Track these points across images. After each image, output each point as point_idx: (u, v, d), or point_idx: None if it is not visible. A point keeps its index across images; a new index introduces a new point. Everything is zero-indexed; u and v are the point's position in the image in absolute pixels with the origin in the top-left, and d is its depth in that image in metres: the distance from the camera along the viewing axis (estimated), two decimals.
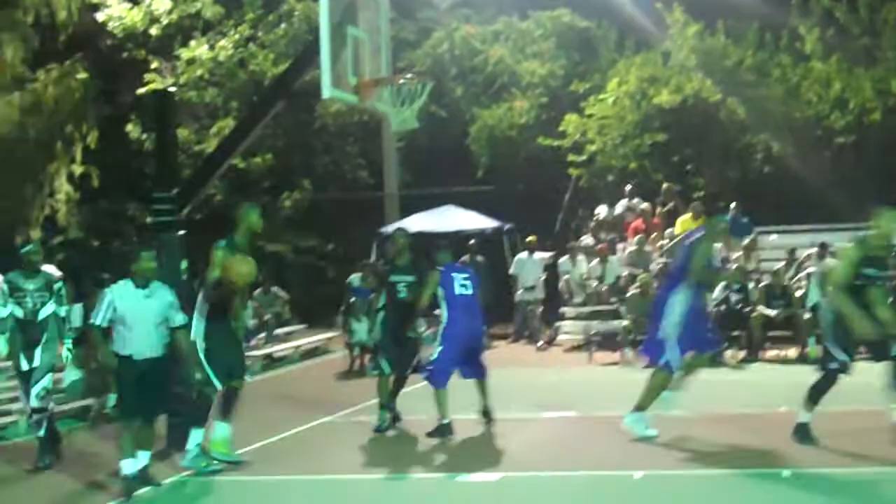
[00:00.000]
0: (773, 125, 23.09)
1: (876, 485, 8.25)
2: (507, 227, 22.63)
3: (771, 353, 17.06)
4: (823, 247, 18.28)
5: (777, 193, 22.09)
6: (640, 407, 10.42)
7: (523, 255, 21.15)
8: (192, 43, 27.49)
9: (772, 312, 17.16)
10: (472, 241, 20.99)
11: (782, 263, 18.76)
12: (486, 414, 11.46)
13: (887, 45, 23.12)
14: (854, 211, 20.59)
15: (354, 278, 18.80)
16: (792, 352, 16.90)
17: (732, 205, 18.96)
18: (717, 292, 17.08)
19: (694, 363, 10.57)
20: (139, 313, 8.70)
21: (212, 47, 27.43)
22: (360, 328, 17.24)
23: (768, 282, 17.84)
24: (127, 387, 8.73)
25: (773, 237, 20.44)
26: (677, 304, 10.25)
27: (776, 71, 23.73)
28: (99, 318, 8.73)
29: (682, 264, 10.48)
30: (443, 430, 10.96)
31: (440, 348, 11.24)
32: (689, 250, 10.47)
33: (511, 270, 21.13)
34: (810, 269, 17.83)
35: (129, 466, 8.65)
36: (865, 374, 9.73)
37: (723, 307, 17.20)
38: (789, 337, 17.19)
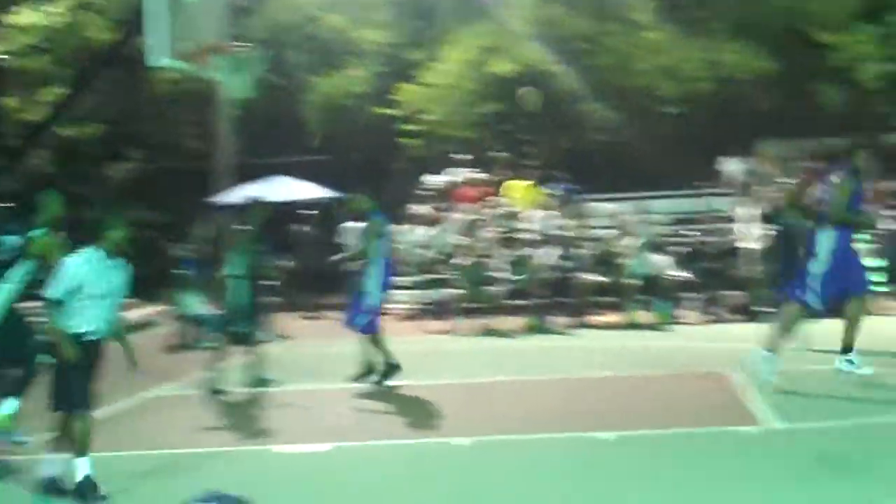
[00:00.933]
0: (605, 94, 23.49)
1: (689, 444, 8.48)
2: (343, 196, 22.47)
3: (597, 319, 17.37)
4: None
5: (609, 162, 22.52)
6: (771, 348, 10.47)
7: (349, 223, 21.03)
8: (18, 8, 26.49)
9: (599, 279, 17.52)
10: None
11: (611, 231, 19.14)
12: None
13: (718, 16, 23.70)
14: (683, 178, 21.25)
15: (183, 249, 18.41)
16: (616, 317, 17.27)
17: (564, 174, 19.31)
18: (552, 259, 17.41)
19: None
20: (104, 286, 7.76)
21: (42, 13, 26.46)
22: (192, 301, 16.91)
23: (597, 249, 18.20)
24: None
25: (604, 205, 20.83)
26: (824, 243, 10.31)
27: (609, 40, 24.07)
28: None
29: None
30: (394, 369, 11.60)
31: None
32: (831, 190, 10.44)
33: (337, 239, 20.98)
34: (634, 237, 18.27)
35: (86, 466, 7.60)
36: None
37: (556, 274, 17.51)
38: (616, 303, 17.55)
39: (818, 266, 10.31)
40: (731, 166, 22.21)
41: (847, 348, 10.40)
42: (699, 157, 21.23)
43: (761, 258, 17.45)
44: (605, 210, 20.43)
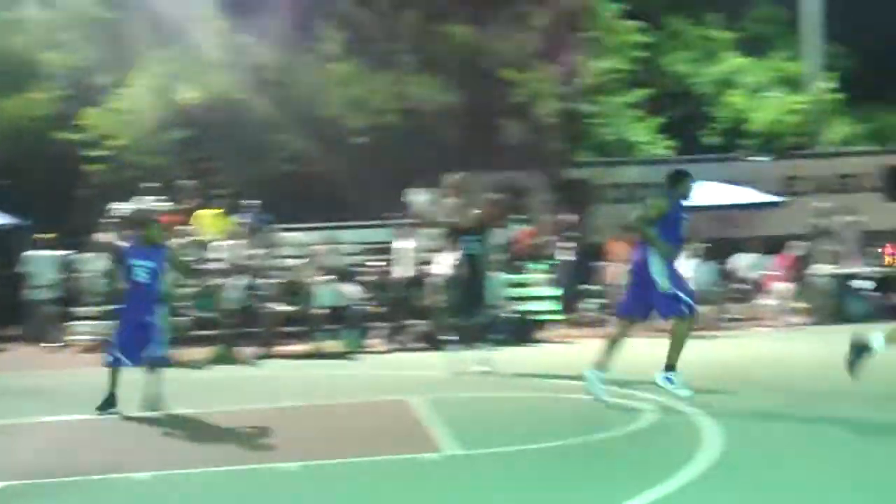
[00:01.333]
0: (295, 124, 23.56)
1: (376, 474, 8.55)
2: (22, 224, 21.53)
3: (284, 349, 17.33)
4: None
5: (299, 192, 22.57)
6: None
7: (35, 252, 20.21)
8: None
9: (287, 308, 17.52)
10: None
11: (301, 260, 19.18)
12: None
13: (405, 50, 24.26)
14: (371, 209, 21.55)
15: None
16: (304, 347, 17.29)
17: (253, 203, 19.17)
18: (237, 293, 17.28)
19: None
20: None
21: None
22: None
23: (285, 278, 18.19)
24: None
25: (294, 234, 20.86)
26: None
27: (301, 71, 24.19)
28: None
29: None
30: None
31: None
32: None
33: (21, 269, 20.11)
34: (323, 267, 18.39)
35: None
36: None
37: (244, 303, 17.37)
38: (304, 332, 17.59)
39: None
40: (418, 197, 22.75)
41: (670, 366, 10.85)
42: (388, 188, 21.61)
43: (446, 287, 17.93)
44: (294, 239, 20.45)
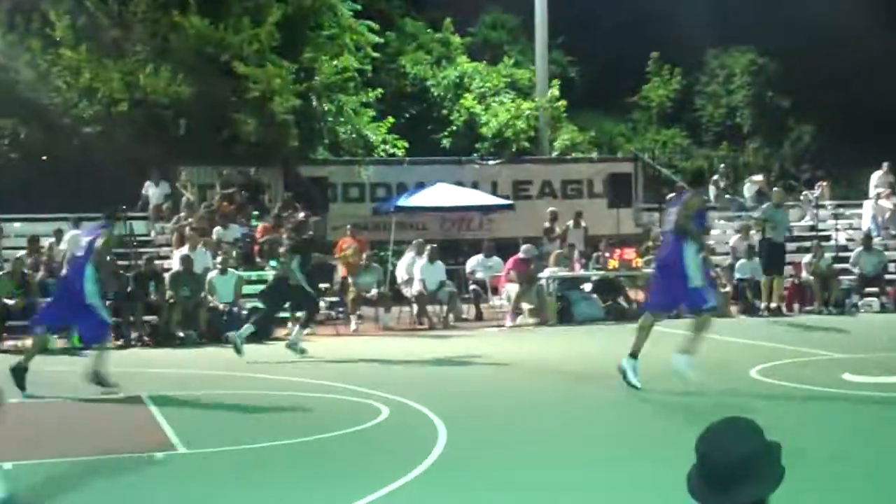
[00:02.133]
0: (21, 110, 22.57)
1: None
2: None
3: (8, 343, 16.60)
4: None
5: (24, 180, 21.64)
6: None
7: None
8: None
9: (10, 301, 16.82)
10: None
11: (24, 251, 18.41)
12: None
13: (136, 38, 23.60)
14: (102, 199, 20.85)
15: None
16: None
17: None
18: None
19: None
20: None
21: None
22: None
23: (9, 269, 17.44)
24: None
25: (17, 224, 20.03)
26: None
27: (26, 55, 23.19)
28: None
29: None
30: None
31: None
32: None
33: None
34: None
35: None
36: None
37: None
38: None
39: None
40: (152, 190, 22.26)
41: (686, 351, 11.47)
42: (123, 180, 21.04)
43: (173, 282, 17.65)
44: (21, 230, 19.70)
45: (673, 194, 12.99)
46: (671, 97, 33.99)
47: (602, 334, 17.95)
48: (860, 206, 26.99)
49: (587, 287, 21.13)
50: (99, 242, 11.83)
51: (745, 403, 10.28)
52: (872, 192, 26.61)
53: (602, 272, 20.98)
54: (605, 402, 11.40)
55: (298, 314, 16.33)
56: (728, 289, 21.50)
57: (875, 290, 22.23)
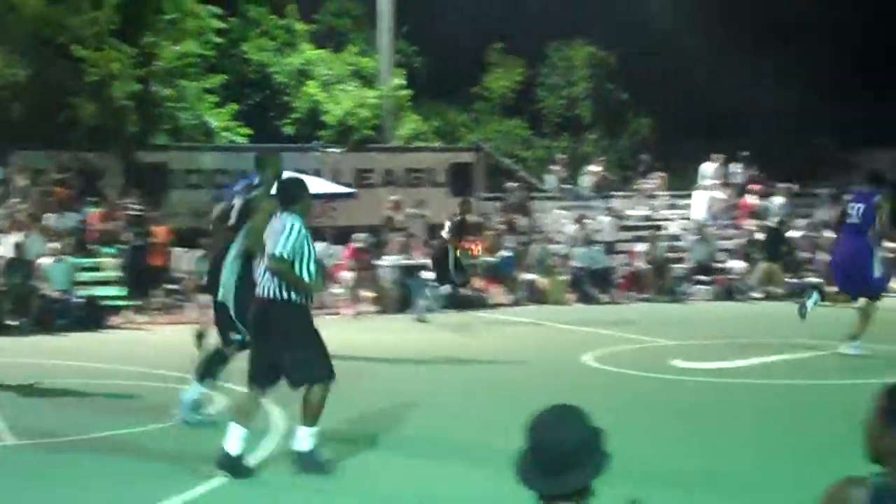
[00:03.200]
0: None
1: None
2: None
3: None
4: None
5: None
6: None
7: None
8: None
9: None
10: None
11: None
12: None
13: None
14: None
15: None
16: None
17: None
18: None
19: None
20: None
21: None
22: None
23: None
24: None
25: None
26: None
27: None
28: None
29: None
30: None
31: None
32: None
33: None
34: None
35: None
36: None
37: None
38: None
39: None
40: None
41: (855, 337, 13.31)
42: None
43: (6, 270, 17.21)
44: None
45: (857, 189, 13.84)
46: (513, 88, 34.43)
47: (440, 322, 18.16)
48: (693, 196, 27.86)
49: (428, 275, 21.31)
50: None
51: (575, 389, 10.57)
52: (705, 182, 27.49)
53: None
54: (438, 389, 11.57)
55: None
56: (564, 277, 22.00)
57: (706, 278, 23.03)
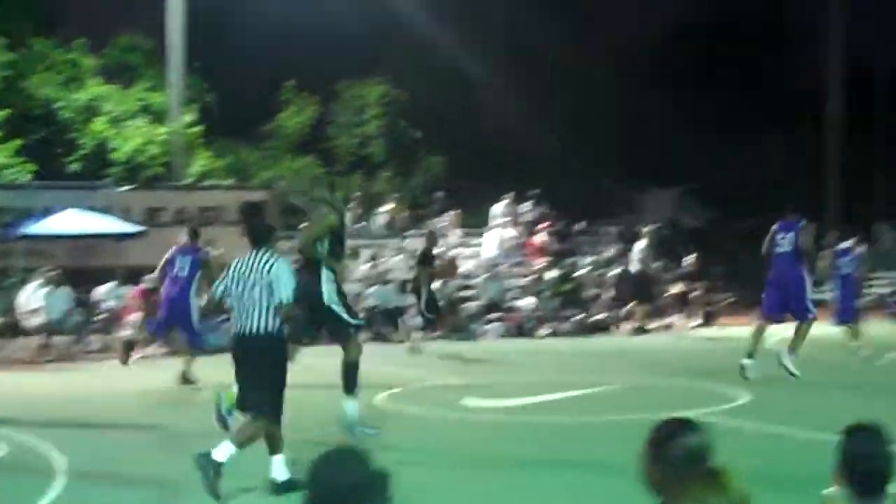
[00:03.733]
0: None
1: None
2: None
3: None
4: None
5: None
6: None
7: None
8: None
9: None
10: None
11: None
12: None
13: None
14: None
15: None
16: None
17: None
18: None
19: None
20: None
21: None
22: None
23: None
24: None
25: None
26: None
27: None
28: None
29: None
30: None
31: None
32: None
33: None
34: None
35: None
36: None
37: None
38: None
39: None
40: None
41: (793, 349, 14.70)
42: None
43: None
44: None
45: (781, 221, 15.08)
46: (306, 126, 34.37)
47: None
48: (485, 234, 28.40)
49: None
50: None
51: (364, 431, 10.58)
52: (496, 221, 28.08)
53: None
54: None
55: None
56: (362, 316, 22.03)
57: (498, 315, 23.48)
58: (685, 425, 3.92)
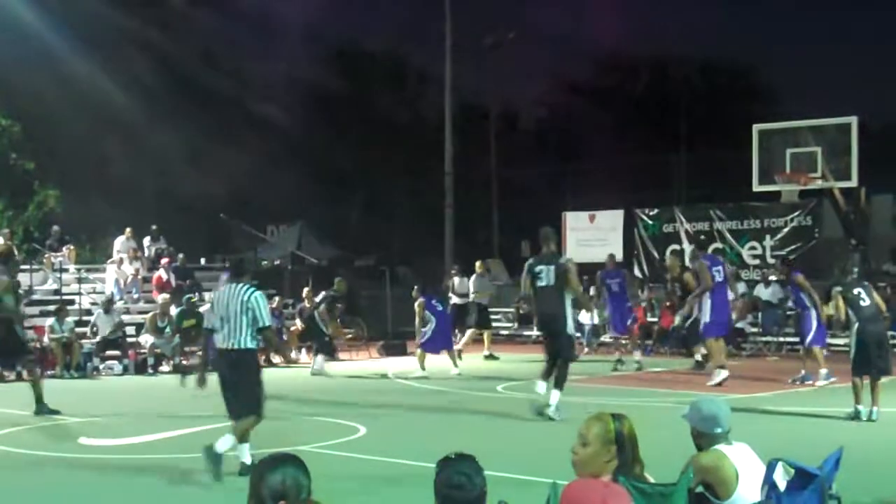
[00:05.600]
0: None
1: None
2: None
3: None
4: None
5: None
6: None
7: None
8: None
9: None
10: None
11: None
12: None
13: None
14: None
15: None
16: None
17: None
18: None
19: None
20: None
21: None
22: None
23: None
24: None
25: None
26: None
27: None
28: None
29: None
30: None
31: None
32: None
33: None
34: None
35: None
36: None
37: None
38: None
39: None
40: None
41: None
42: None
43: None
44: None
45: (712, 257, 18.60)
46: None
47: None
48: (104, 269, 27.64)
49: None
50: None
51: None
52: (115, 256, 27.39)
53: None
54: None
55: None
56: None
57: (116, 352, 22.85)
58: (279, 461, 4.11)
